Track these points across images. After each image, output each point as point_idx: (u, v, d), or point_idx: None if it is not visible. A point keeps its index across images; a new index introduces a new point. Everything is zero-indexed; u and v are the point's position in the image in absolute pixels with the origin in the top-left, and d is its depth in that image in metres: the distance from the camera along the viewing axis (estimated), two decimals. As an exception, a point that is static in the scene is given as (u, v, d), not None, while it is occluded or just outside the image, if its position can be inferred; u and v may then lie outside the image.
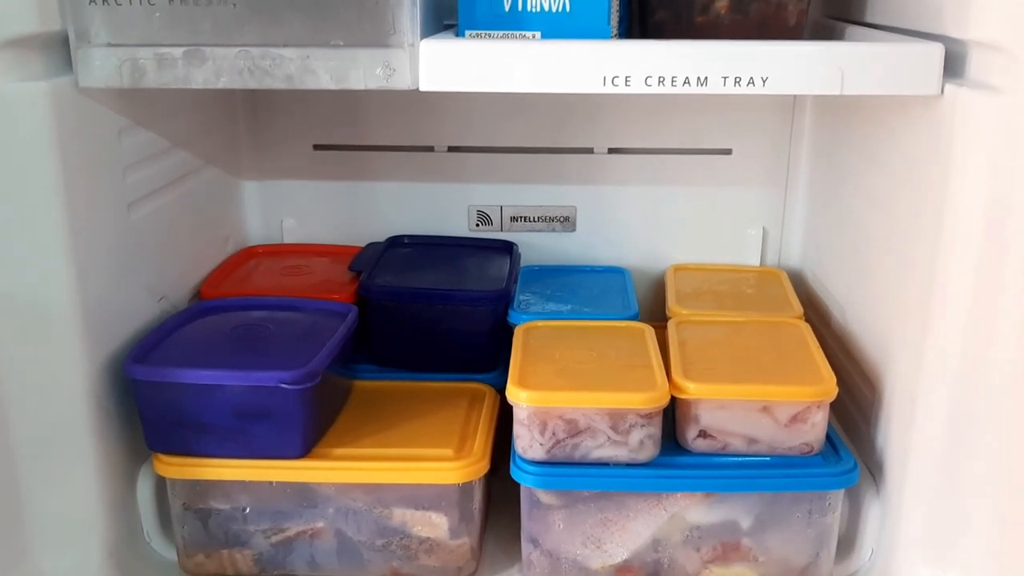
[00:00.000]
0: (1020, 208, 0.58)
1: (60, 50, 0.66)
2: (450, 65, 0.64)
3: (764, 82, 0.63)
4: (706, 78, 0.62)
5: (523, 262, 0.99)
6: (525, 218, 1.04)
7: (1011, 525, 0.61)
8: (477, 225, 1.05)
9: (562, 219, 1.03)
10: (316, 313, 0.82)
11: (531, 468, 0.70)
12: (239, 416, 0.70)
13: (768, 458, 0.71)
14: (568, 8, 0.66)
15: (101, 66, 0.65)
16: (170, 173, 0.84)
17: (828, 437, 0.72)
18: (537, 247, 1.03)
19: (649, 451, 0.70)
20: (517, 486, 0.71)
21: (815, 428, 0.70)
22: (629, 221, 1.03)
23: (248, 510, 0.74)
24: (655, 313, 0.96)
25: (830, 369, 0.72)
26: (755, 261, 1.03)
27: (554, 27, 0.66)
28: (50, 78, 0.64)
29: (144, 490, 0.76)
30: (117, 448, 0.74)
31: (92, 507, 0.72)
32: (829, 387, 0.70)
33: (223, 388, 0.70)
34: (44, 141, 0.64)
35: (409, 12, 0.62)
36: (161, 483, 0.75)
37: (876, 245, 0.78)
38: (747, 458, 0.71)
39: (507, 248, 0.99)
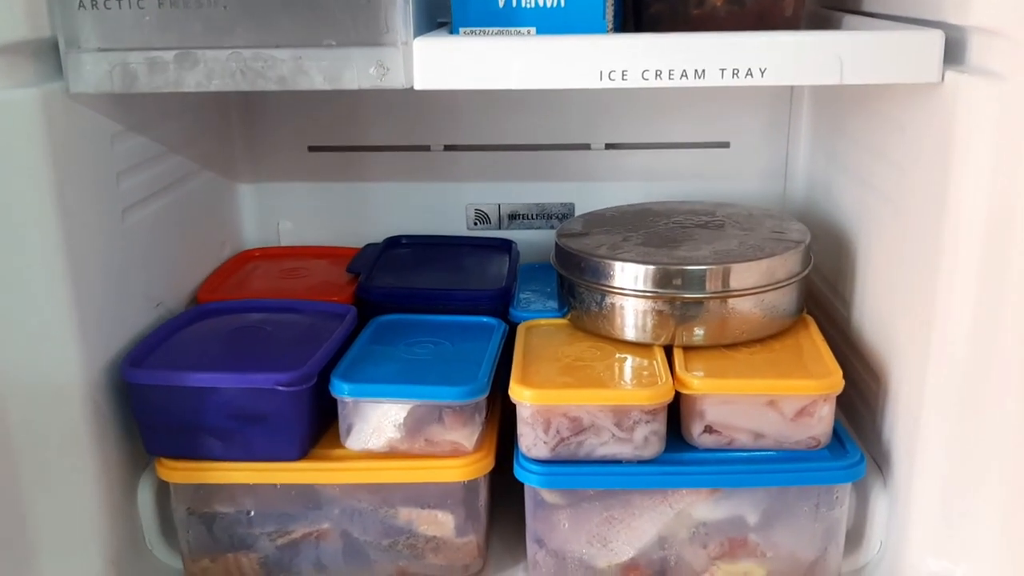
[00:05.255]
0: (1022, 195, 0.57)
1: (50, 56, 0.65)
2: (444, 63, 0.63)
3: (763, 73, 0.62)
4: (704, 71, 0.62)
5: (522, 260, 0.98)
6: (523, 216, 1.04)
7: (1020, 515, 0.61)
8: (475, 224, 1.04)
9: (560, 216, 1.03)
10: (315, 315, 0.81)
11: (535, 467, 0.69)
12: (236, 419, 0.70)
13: (774, 452, 0.70)
14: (563, 3, 0.65)
15: (92, 71, 0.64)
16: (165, 178, 0.83)
17: (834, 430, 0.71)
18: (536, 244, 1.02)
19: (654, 448, 0.69)
20: (521, 482, 0.71)
21: (822, 422, 0.70)
22: (628, 216, 1.02)
23: (252, 513, 0.73)
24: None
25: (835, 362, 0.71)
26: (756, 254, 1.02)
27: (549, 22, 0.66)
28: (40, 84, 0.64)
29: (145, 496, 0.76)
30: (116, 454, 0.73)
31: (93, 515, 0.71)
32: (835, 380, 0.69)
33: (219, 391, 0.69)
34: (35, 148, 0.63)
35: (402, 10, 0.62)
36: (162, 489, 0.75)
37: (878, 236, 0.77)
38: (753, 453, 0.71)
39: (506, 246, 0.98)
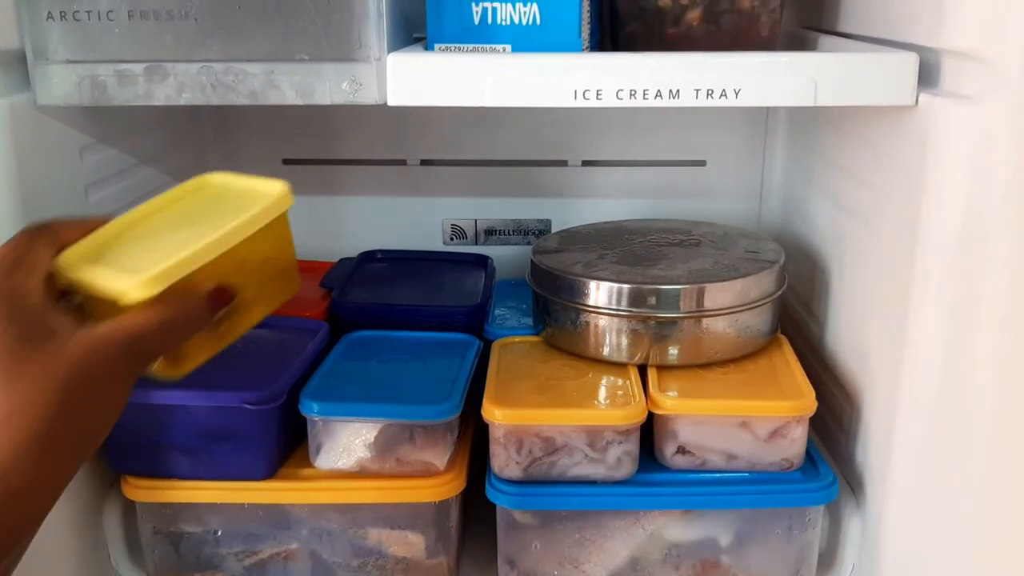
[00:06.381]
0: (995, 218, 0.57)
1: (18, 67, 0.64)
2: (418, 79, 0.63)
3: (737, 94, 0.62)
4: (678, 91, 0.62)
5: (499, 276, 0.97)
6: (500, 231, 1.03)
7: (992, 539, 0.61)
8: (451, 239, 1.04)
9: (537, 232, 1.03)
10: (286, 330, 0.80)
11: (507, 488, 0.69)
12: (203, 437, 0.69)
13: (747, 474, 0.70)
14: (538, 21, 0.65)
15: (60, 83, 0.63)
16: (136, 190, 0.82)
17: (807, 452, 0.71)
18: (513, 260, 1.01)
19: (627, 468, 0.69)
20: (493, 503, 0.70)
21: (794, 443, 0.69)
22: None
23: (220, 533, 0.72)
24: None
25: (809, 384, 0.71)
26: (732, 272, 1.03)
27: (524, 40, 0.65)
28: (8, 96, 0.63)
29: (111, 515, 0.75)
30: (81, 472, 0.71)
31: (58, 534, 0.70)
32: (808, 402, 0.69)
33: (186, 409, 0.68)
34: (1, 160, 0.62)
35: (376, 25, 0.61)
36: (129, 508, 0.74)
37: (852, 256, 0.77)
38: (726, 474, 0.70)
39: (482, 262, 0.97)
